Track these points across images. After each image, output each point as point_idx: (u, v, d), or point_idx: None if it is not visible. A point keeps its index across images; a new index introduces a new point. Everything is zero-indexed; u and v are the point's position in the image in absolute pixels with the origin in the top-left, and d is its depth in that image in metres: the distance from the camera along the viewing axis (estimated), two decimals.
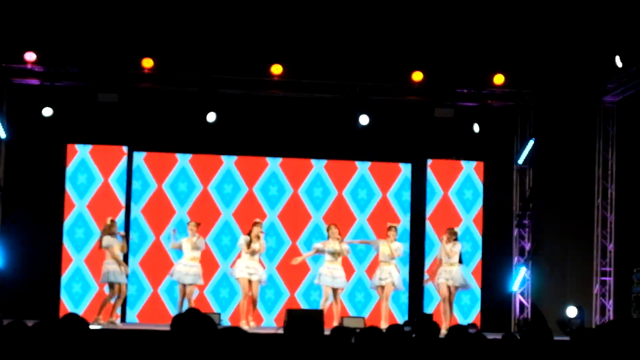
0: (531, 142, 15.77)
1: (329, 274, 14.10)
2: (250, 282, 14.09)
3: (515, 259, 16.03)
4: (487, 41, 15.68)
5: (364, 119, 15.47)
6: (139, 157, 15.70)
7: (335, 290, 14.15)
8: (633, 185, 16.01)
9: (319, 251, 14.39)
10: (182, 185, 15.73)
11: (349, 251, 14.53)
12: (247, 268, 14.07)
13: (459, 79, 15.85)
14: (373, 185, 16.08)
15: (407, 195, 16.11)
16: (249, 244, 14.08)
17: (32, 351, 5.21)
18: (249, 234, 14.22)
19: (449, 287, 14.11)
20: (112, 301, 14.15)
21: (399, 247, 14.34)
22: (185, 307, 14.03)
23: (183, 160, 15.77)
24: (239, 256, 14.45)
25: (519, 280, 15.85)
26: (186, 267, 14.18)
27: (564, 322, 15.60)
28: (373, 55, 15.65)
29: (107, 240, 13.98)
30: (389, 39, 15.63)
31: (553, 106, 16.00)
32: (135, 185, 15.65)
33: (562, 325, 15.59)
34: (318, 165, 16.01)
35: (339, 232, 14.36)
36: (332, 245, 14.18)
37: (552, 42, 15.71)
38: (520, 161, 15.99)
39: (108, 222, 14.17)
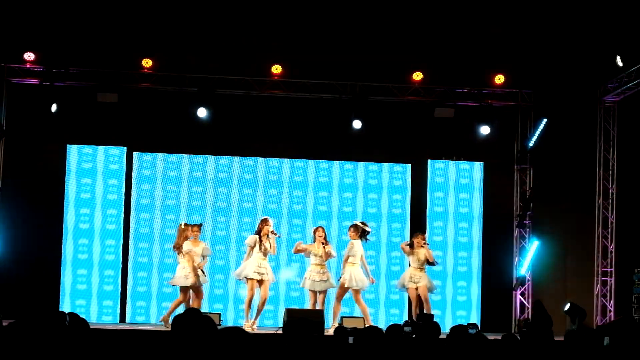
0: (544, 122, 15.65)
1: (317, 277, 13.94)
2: (261, 282, 13.59)
3: (516, 259, 16.01)
4: (487, 41, 15.66)
5: (357, 124, 15.38)
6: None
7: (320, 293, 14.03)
8: (634, 185, 16.01)
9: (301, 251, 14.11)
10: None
11: (330, 254, 14.01)
12: (259, 268, 13.55)
13: (459, 79, 15.84)
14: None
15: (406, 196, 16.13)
16: (260, 244, 13.61)
17: (32, 351, 5.20)
18: (258, 233, 13.74)
19: (416, 290, 14.04)
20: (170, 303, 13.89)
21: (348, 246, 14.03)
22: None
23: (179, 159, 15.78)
24: (246, 257, 13.76)
25: (529, 258, 15.73)
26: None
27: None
28: (373, 55, 15.63)
29: (187, 245, 13.56)
30: (389, 39, 15.62)
31: (553, 106, 15.98)
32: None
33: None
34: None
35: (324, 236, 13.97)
36: (317, 248, 13.96)
37: (553, 42, 15.70)
38: (531, 144, 15.84)
39: (182, 226, 13.72)
